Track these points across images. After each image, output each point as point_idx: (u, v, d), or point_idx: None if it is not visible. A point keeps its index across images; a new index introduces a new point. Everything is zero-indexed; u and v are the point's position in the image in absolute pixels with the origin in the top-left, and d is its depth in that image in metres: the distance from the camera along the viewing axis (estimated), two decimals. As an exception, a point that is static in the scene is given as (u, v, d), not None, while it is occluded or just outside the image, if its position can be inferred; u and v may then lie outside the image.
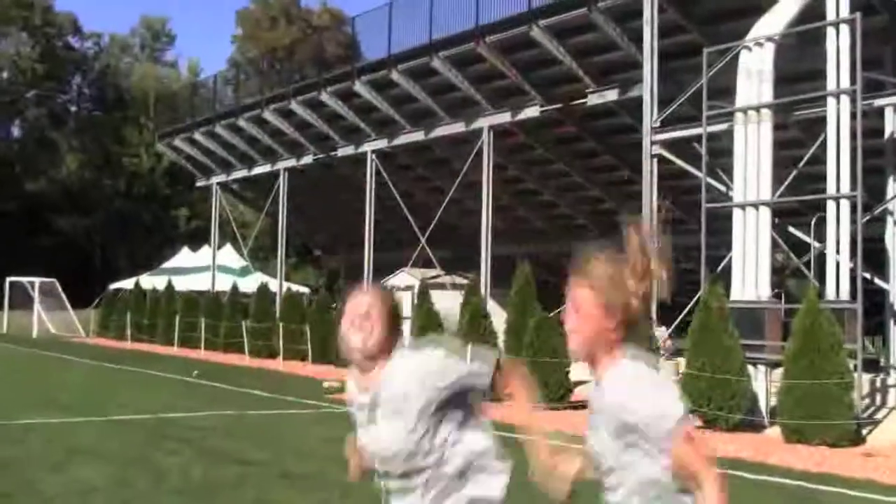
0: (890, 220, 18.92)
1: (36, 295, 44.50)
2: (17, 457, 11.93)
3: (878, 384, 17.30)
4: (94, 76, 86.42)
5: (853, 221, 16.15)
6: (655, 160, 20.37)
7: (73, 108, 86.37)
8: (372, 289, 3.72)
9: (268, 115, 34.40)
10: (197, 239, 60.55)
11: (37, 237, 70.08)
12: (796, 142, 19.97)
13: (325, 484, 10.28)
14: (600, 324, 3.17)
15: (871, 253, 17.91)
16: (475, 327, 20.07)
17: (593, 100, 24.27)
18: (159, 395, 20.10)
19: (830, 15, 16.74)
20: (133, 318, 39.63)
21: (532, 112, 25.96)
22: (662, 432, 3.00)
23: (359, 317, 3.58)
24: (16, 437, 13.56)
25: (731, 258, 17.33)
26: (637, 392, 3.07)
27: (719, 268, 17.84)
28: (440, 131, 29.07)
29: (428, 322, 21.82)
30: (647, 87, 20.67)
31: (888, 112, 18.62)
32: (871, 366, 19.39)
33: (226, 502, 9.79)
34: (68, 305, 45.26)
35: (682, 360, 17.16)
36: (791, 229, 18.78)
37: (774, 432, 15.30)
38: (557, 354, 18.59)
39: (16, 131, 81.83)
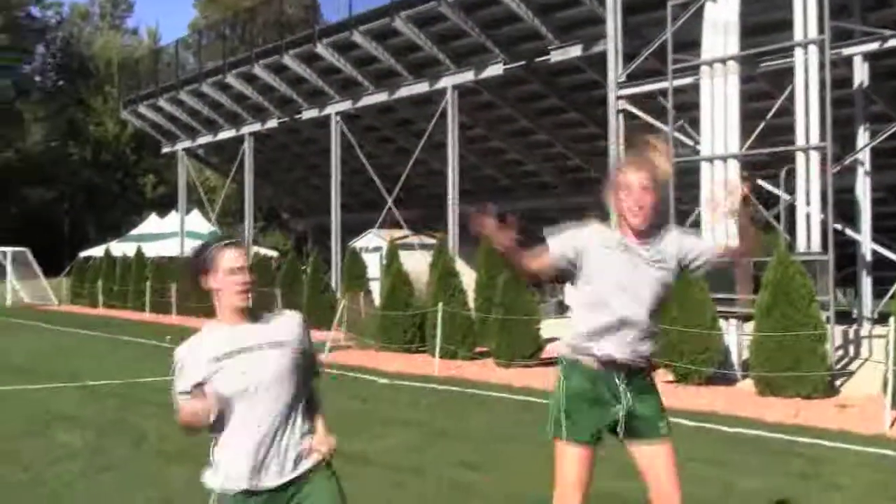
0: (860, 170, 18.76)
1: (8, 264, 44.08)
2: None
3: (850, 336, 17.26)
4: (57, 46, 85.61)
5: (823, 172, 15.98)
6: (621, 115, 20.12)
7: (38, 79, 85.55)
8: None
9: (231, 79, 34.01)
10: (164, 205, 60.29)
11: (5, 208, 69.57)
12: (764, 94, 19.80)
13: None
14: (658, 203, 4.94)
15: (841, 204, 17.77)
16: (444, 286, 19.88)
17: (556, 56, 24.01)
18: (133, 360, 19.91)
19: (796, -37, 16.50)
20: (104, 285, 39.40)
21: (495, 70, 25.63)
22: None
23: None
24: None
25: (699, 212, 17.20)
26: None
27: (688, 222, 17.69)
28: (404, 92, 28.75)
29: (397, 282, 21.59)
30: (612, 42, 20.39)
31: (857, 61, 18.39)
32: (844, 317, 19.37)
33: (206, 463, 9.62)
34: (40, 274, 44.90)
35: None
36: (760, 182, 18.64)
37: (747, 385, 15.22)
38: (528, 312, 18.47)
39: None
